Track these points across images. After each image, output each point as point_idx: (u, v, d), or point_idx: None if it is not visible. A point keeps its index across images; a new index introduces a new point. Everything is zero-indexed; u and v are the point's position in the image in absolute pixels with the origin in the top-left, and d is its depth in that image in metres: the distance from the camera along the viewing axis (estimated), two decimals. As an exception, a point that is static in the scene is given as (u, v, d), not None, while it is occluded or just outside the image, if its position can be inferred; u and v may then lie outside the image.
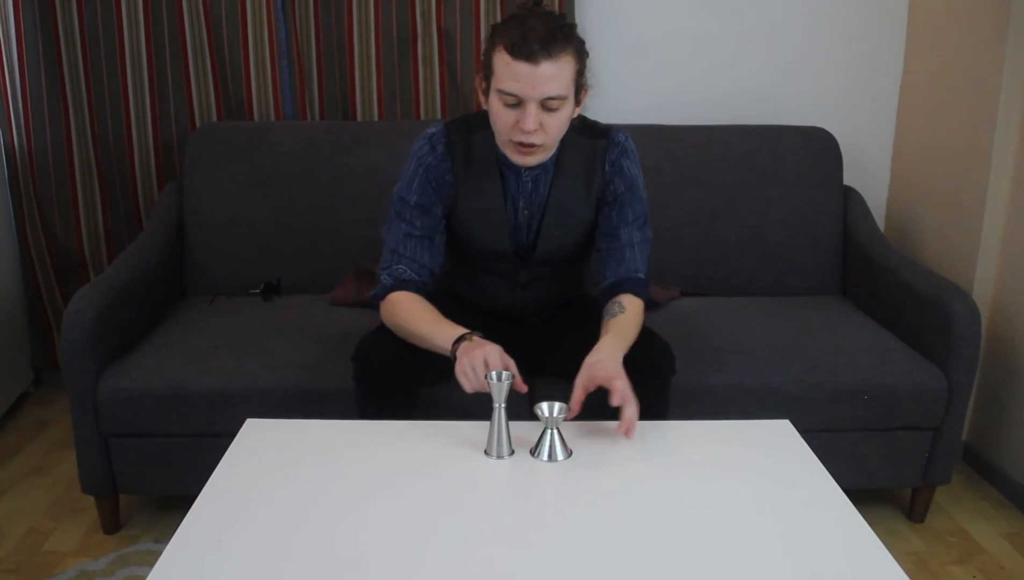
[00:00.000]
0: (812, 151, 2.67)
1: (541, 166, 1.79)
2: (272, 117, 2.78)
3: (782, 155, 2.66)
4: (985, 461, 2.52)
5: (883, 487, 2.36)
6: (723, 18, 2.83)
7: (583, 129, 1.82)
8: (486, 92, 1.69)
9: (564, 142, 1.78)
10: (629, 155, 1.84)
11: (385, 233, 1.85)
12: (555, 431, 1.47)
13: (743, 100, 2.88)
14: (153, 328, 2.29)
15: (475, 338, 1.64)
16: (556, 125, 1.66)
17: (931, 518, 2.32)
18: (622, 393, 1.52)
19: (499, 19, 2.71)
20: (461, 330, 1.67)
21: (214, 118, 2.78)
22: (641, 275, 1.85)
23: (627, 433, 1.51)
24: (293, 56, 2.74)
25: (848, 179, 2.77)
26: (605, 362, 1.58)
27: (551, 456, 1.46)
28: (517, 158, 1.71)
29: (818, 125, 2.72)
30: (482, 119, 1.79)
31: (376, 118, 2.80)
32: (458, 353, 1.61)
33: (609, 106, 2.78)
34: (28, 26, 2.65)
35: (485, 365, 1.54)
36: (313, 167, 2.60)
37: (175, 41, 2.71)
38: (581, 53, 1.66)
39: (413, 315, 1.76)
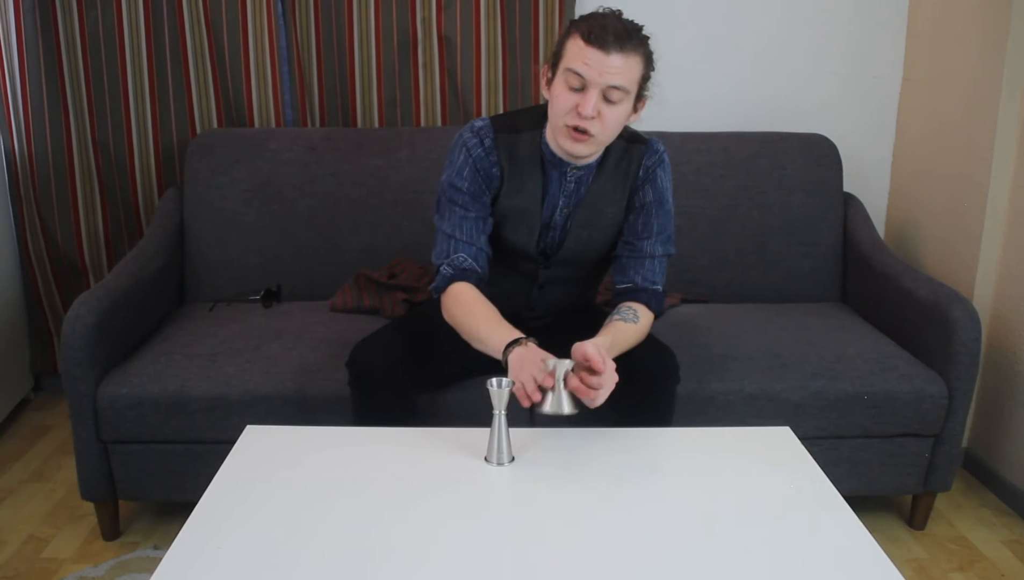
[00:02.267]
0: (812, 158, 2.68)
1: (586, 166, 1.80)
2: (272, 124, 2.78)
3: (782, 162, 2.66)
4: (985, 468, 2.52)
5: (883, 494, 2.36)
6: (723, 25, 2.84)
7: (624, 134, 1.84)
8: (550, 80, 1.71)
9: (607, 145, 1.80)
10: (664, 166, 1.85)
11: (438, 221, 1.83)
12: (561, 384, 1.45)
13: (743, 107, 2.88)
14: (153, 334, 2.29)
15: (529, 344, 1.59)
16: (612, 119, 1.67)
17: (931, 525, 2.32)
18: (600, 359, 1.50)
19: (500, 25, 2.72)
20: (514, 334, 1.63)
21: (214, 124, 2.78)
22: (659, 288, 1.85)
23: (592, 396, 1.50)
24: (294, 63, 2.74)
25: (848, 186, 2.77)
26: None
27: (558, 407, 1.44)
28: (569, 144, 1.70)
29: (818, 132, 2.73)
30: (528, 118, 1.81)
31: (376, 125, 2.80)
32: (509, 360, 1.58)
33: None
34: (29, 31, 2.65)
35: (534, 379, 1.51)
36: (313, 174, 2.60)
37: (176, 47, 2.72)
38: (649, 61, 1.69)
39: (473, 314, 1.72)
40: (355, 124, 2.80)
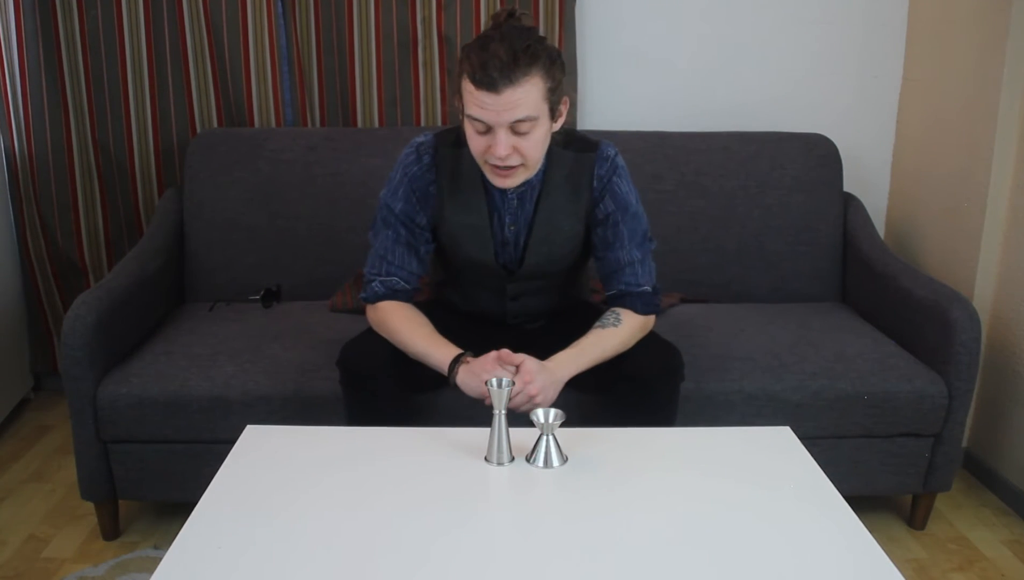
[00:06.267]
0: (812, 158, 2.68)
1: (526, 183, 1.76)
2: (272, 123, 2.78)
3: (782, 162, 2.66)
4: (986, 468, 2.52)
5: (884, 494, 2.36)
6: (723, 25, 2.83)
7: (570, 143, 1.79)
8: (461, 114, 1.67)
9: (550, 157, 1.75)
10: (619, 172, 1.80)
11: (372, 237, 1.85)
12: (550, 437, 1.47)
13: (743, 107, 2.88)
14: (153, 334, 2.29)
15: (469, 359, 1.66)
16: (531, 146, 1.63)
17: (932, 525, 2.32)
18: (526, 380, 1.61)
19: (499, 26, 2.72)
20: (455, 350, 1.68)
21: (215, 124, 2.78)
22: (646, 288, 1.83)
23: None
24: (294, 62, 2.74)
25: (848, 186, 2.77)
26: (546, 374, 1.65)
27: (547, 462, 1.46)
28: (496, 181, 1.69)
29: (818, 132, 2.73)
30: None
31: (376, 124, 2.80)
32: (458, 380, 1.66)
33: (609, 112, 2.78)
34: (29, 31, 2.65)
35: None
36: (313, 173, 2.60)
37: (176, 47, 2.72)
38: (551, 68, 1.61)
39: (408, 329, 1.77)
40: (355, 124, 2.80)
